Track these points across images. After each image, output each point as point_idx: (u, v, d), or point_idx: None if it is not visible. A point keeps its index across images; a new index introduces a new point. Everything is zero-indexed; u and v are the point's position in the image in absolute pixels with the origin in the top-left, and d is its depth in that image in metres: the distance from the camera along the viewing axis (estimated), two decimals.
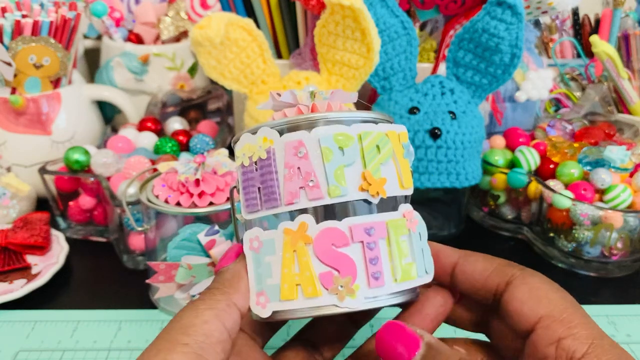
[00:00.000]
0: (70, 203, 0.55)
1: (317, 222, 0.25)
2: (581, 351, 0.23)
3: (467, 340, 0.31)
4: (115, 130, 0.66)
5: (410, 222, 0.27)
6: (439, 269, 0.29)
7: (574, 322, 0.24)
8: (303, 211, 0.25)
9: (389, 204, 0.27)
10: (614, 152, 0.51)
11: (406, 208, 0.27)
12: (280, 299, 0.25)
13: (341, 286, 0.24)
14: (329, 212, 0.26)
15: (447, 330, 0.33)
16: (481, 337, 0.31)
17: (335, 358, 0.31)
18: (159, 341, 0.23)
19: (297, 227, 0.25)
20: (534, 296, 0.25)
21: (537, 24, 0.71)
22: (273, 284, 0.25)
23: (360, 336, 0.32)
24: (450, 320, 0.31)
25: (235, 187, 0.29)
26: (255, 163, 0.26)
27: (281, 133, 0.26)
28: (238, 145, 0.27)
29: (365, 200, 0.26)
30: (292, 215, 0.26)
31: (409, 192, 0.28)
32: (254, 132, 0.26)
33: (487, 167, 0.57)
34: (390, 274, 0.26)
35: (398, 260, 0.26)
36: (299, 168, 0.25)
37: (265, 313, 0.25)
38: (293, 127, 0.26)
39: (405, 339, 0.24)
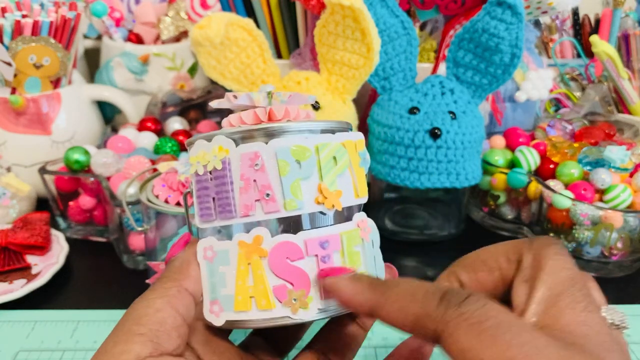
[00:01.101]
0: (70, 203, 0.55)
1: (272, 235, 0.25)
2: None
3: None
4: (115, 130, 0.66)
5: (363, 231, 0.27)
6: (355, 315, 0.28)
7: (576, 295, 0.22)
8: (258, 223, 0.26)
9: (344, 214, 0.27)
10: (614, 152, 0.51)
11: (360, 217, 0.28)
12: (234, 309, 0.25)
13: (295, 299, 0.25)
14: (283, 224, 0.26)
15: None
16: None
17: None
18: (115, 333, 0.23)
19: (252, 240, 0.25)
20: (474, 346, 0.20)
21: (537, 24, 0.71)
22: (227, 294, 0.25)
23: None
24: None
25: (189, 191, 0.29)
26: (210, 172, 0.26)
27: (237, 143, 0.25)
28: (192, 152, 0.27)
29: (321, 212, 0.26)
30: (247, 227, 0.26)
31: (364, 200, 0.28)
32: (209, 139, 0.26)
33: (487, 167, 0.57)
34: None
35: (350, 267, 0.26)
36: (254, 180, 0.25)
37: (218, 322, 0.26)
38: (249, 137, 0.25)
39: None
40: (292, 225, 0.26)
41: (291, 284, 0.25)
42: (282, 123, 0.26)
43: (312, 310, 0.25)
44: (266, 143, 0.25)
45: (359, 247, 0.27)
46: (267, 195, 0.25)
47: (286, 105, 0.27)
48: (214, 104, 0.28)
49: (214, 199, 0.26)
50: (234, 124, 0.27)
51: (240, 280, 0.25)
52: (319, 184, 0.25)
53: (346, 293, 0.24)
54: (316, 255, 0.25)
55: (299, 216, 0.26)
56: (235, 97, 0.27)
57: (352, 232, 0.27)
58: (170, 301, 0.24)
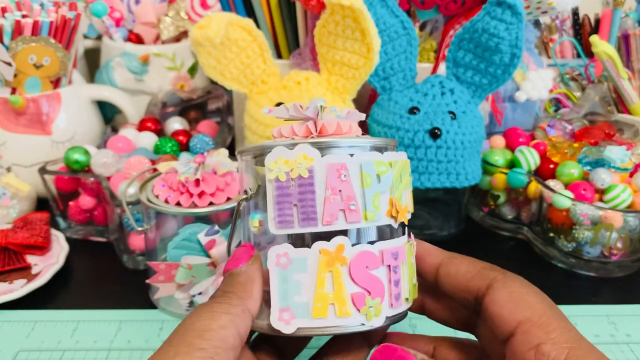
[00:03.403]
0: (70, 203, 0.55)
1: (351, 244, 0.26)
2: (561, 356, 0.23)
3: (459, 340, 0.31)
4: (115, 130, 0.66)
5: (413, 245, 0.29)
6: (425, 270, 0.30)
7: (553, 326, 0.24)
8: (338, 233, 0.26)
9: (400, 229, 0.29)
10: (614, 152, 0.51)
11: (410, 232, 0.30)
12: (312, 317, 0.26)
13: (371, 307, 0.26)
14: (359, 235, 0.27)
15: (449, 331, 0.33)
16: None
17: None
18: (176, 342, 0.23)
19: (334, 248, 0.26)
20: (513, 300, 0.26)
21: (537, 24, 0.71)
22: (302, 301, 0.26)
23: None
24: (441, 320, 0.31)
25: (245, 197, 0.29)
26: (293, 180, 0.26)
27: (322, 153, 0.26)
28: (271, 157, 0.26)
29: (388, 225, 0.28)
30: (327, 235, 0.26)
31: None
32: (291, 147, 0.26)
33: (487, 167, 0.57)
34: (405, 294, 0.28)
35: (409, 281, 0.28)
36: (340, 190, 0.26)
37: (288, 329, 0.26)
38: (334, 148, 0.27)
39: (397, 357, 0.25)
40: (364, 235, 0.27)
41: (368, 292, 0.26)
42: (365, 138, 0.28)
43: (381, 318, 0.26)
44: (351, 156, 0.26)
45: (413, 259, 0.29)
46: (352, 205, 0.26)
47: (339, 121, 0.28)
48: (273, 112, 0.29)
49: (296, 205, 0.26)
50: (286, 135, 0.28)
51: (320, 288, 0.26)
52: (390, 198, 0.27)
53: (430, 249, 0.30)
54: (388, 266, 0.27)
55: (373, 229, 0.28)
56: (288, 109, 0.28)
57: (410, 245, 0.29)
58: (234, 320, 0.24)
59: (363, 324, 0.26)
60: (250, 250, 0.28)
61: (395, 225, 0.28)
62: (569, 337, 0.24)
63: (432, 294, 0.32)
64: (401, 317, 0.29)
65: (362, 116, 0.30)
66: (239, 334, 0.24)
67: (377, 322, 0.26)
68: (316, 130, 0.28)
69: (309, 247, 0.26)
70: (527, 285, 0.27)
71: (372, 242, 0.27)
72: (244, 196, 0.29)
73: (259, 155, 0.29)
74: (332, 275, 0.26)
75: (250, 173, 0.30)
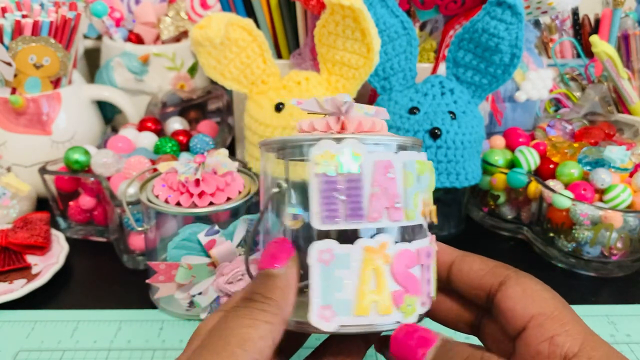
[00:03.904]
0: (71, 203, 0.55)
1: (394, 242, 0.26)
2: (575, 347, 0.23)
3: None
4: (115, 130, 0.66)
5: (435, 245, 0.30)
6: (438, 267, 0.30)
7: (566, 320, 0.24)
8: (381, 230, 0.26)
9: (426, 228, 0.29)
10: (614, 152, 0.51)
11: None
12: (355, 314, 0.25)
13: (409, 305, 0.26)
14: (399, 234, 0.27)
15: (449, 332, 0.33)
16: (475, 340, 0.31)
17: None
18: (218, 350, 0.22)
19: (378, 245, 0.26)
20: (526, 295, 0.26)
21: (537, 24, 0.71)
22: (344, 298, 0.25)
23: None
24: (447, 322, 0.31)
25: (282, 188, 0.28)
26: (341, 175, 0.26)
27: (370, 149, 0.26)
28: (317, 151, 0.26)
29: (419, 225, 0.28)
30: (371, 232, 0.26)
31: None
32: (337, 141, 0.26)
33: (487, 167, 0.57)
34: (432, 292, 0.29)
35: (434, 280, 0.29)
36: (386, 188, 0.26)
37: (329, 327, 0.26)
38: (380, 146, 0.27)
39: (420, 336, 0.24)
40: (402, 234, 0.27)
41: (407, 290, 0.26)
42: (407, 138, 0.28)
43: (415, 316, 0.27)
44: (396, 154, 0.26)
45: (435, 259, 0.30)
46: (397, 203, 0.26)
47: (372, 118, 0.28)
48: (303, 105, 0.28)
49: (343, 201, 0.26)
50: (312, 129, 0.28)
51: (363, 285, 0.25)
52: (423, 198, 0.28)
53: (444, 247, 0.30)
54: (422, 265, 0.27)
55: (409, 227, 0.28)
56: (319, 102, 0.28)
57: (434, 244, 0.29)
58: (273, 330, 0.24)
59: (399, 322, 0.26)
60: (289, 250, 0.27)
61: (425, 225, 0.28)
62: (582, 330, 0.24)
63: (437, 295, 0.32)
64: (427, 314, 0.29)
65: (387, 115, 0.30)
66: (274, 345, 0.24)
67: (411, 320, 0.26)
68: (343, 127, 0.28)
69: (351, 244, 0.26)
70: (539, 283, 0.27)
71: (408, 241, 0.27)
72: (277, 189, 0.28)
73: (292, 148, 0.28)
74: (375, 272, 0.26)
75: (280, 166, 0.29)
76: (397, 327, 0.26)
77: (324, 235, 0.26)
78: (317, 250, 0.26)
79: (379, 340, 0.30)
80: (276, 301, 0.25)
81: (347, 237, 0.26)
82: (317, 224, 0.26)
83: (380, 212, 0.26)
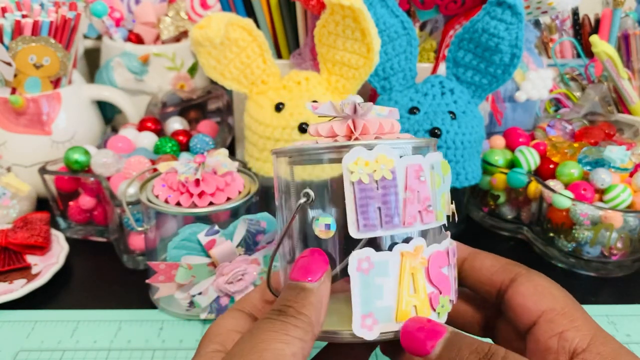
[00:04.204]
0: (70, 203, 0.55)
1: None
2: (584, 343, 0.24)
3: None
4: (115, 130, 0.66)
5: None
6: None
7: (576, 316, 0.25)
8: (416, 234, 0.27)
9: (445, 227, 0.29)
10: (614, 152, 0.51)
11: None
12: (396, 320, 0.25)
13: (443, 305, 0.26)
14: (429, 236, 0.28)
15: None
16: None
17: None
18: None
19: (413, 249, 0.26)
20: (537, 292, 0.26)
21: (537, 24, 0.71)
22: (384, 305, 0.25)
23: None
24: (458, 324, 0.31)
25: (310, 198, 0.28)
26: (376, 182, 0.25)
27: (401, 154, 0.26)
28: (350, 159, 0.25)
29: (443, 225, 0.28)
30: (406, 237, 0.26)
31: None
32: (369, 148, 0.26)
33: (487, 167, 0.57)
34: (456, 289, 0.29)
35: (456, 277, 0.29)
36: (418, 192, 0.26)
37: (371, 335, 0.25)
38: (413, 149, 0.27)
39: (429, 328, 0.24)
40: (431, 235, 0.28)
41: (440, 291, 0.26)
42: (429, 139, 0.28)
43: (445, 315, 0.27)
44: (424, 156, 0.26)
45: None
46: (429, 206, 0.26)
47: (381, 120, 0.28)
48: (318, 110, 0.28)
49: (379, 208, 0.25)
50: (332, 134, 0.27)
51: (403, 290, 0.25)
52: (447, 199, 0.28)
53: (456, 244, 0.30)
54: (450, 264, 0.27)
55: (436, 229, 0.28)
56: (335, 106, 0.28)
57: (453, 243, 0.30)
58: (304, 348, 0.23)
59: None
60: (324, 263, 0.26)
61: (447, 225, 0.28)
62: (592, 327, 0.25)
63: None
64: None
65: (398, 115, 0.30)
66: None
67: (444, 320, 0.27)
68: (364, 130, 0.27)
69: (390, 250, 0.26)
70: (550, 281, 0.27)
71: (438, 242, 0.27)
72: (304, 200, 0.27)
73: (317, 155, 0.28)
74: (413, 276, 0.26)
75: (303, 172, 0.29)
76: None
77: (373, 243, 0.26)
78: (357, 260, 0.25)
79: (385, 342, 0.30)
80: (309, 318, 0.24)
81: (370, 242, 0.26)
82: (354, 233, 0.25)
83: (414, 216, 0.26)
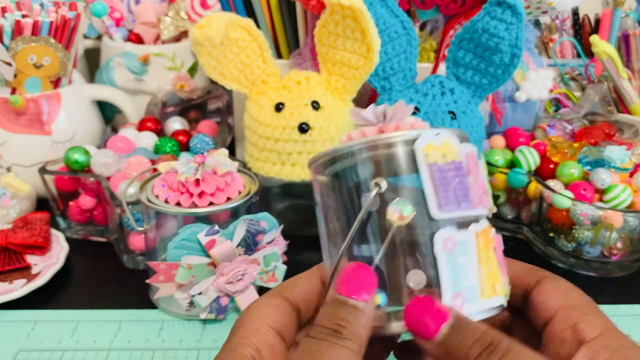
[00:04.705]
0: (70, 203, 0.55)
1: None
2: (593, 334, 0.24)
3: None
4: (115, 130, 0.66)
5: None
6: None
7: (591, 312, 0.26)
8: (480, 216, 0.27)
9: None
10: (614, 152, 0.51)
11: None
12: (480, 298, 0.26)
13: (505, 286, 0.27)
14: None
15: None
16: None
17: None
18: None
19: (483, 230, 0.27)
20: (558, 291, 0.27)
21: (537, 24, 0.71)
22: (470, 284, 0.26)
23: None
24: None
25: (382, 188, 0.27)
26: (449, 164, 0.26)
27: (460, 140, 0.27)
28: (422, 143, 0.26)
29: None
30: (475, 219, 0.27)
31: None
32: (436, 134, 0.27)
33: (487, 167, 0.57)
34: None
35: None
36: (477, 176, 0.27)
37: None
38: (461, 138, 0.28)
39: (434, 311, 0.24)
40: (484, 219, 0.28)
41: (503, 272, 0.27)
42: (457, 130, 0.29)
43: (508, 298, 0.28)
44: (473, 145, 0.28)
45: None
46: (486, 190, 0.28)
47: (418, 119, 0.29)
48: (357, 117, 0.29)
49: (455, 190, 0.26)
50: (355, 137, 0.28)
51: (483, 269, 0.26)
52: (489, 186, 0.29)
53: None
54: (495, 248, 0.28)
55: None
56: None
57: None
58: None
59: (503, 305, 0.27)
60: (374, 280, 0.25)
61: None
62: (604, 322, 0.25)
63: None
64: None
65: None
66: None
67: (505, 302, 0.27)
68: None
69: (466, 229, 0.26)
70: (572, 285, 0.28)
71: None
72: (378, 189, 0.27)
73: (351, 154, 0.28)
74: (488, 256, 0.26)
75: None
76: (503, 307, 0.27)
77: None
78: (442, 239, 0.26)
79: (399, 346, 0.30)
80: (361, 341, 0.24)
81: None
82: (436, 213, 0.26)
83: (479, 198, 0.27)
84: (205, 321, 0.44)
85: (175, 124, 0.65)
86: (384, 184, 0.27)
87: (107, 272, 0.51)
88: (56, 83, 0.61)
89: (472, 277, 0.26)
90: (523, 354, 0.22)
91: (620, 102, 0.70)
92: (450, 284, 0.25)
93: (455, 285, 0.25)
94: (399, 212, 0.26)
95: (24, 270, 0.48)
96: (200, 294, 0.41)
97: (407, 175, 0.26)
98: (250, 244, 0.41)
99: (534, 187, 0.54)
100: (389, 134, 0.27)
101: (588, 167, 0.53)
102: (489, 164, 0.57)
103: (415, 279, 0.26)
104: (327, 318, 0.24)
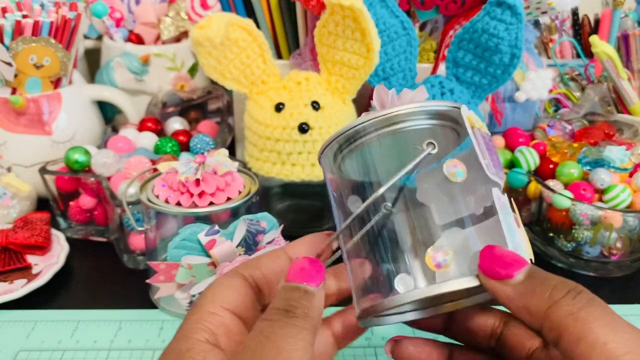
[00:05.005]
0: (71, 203, 0.55)
1: None
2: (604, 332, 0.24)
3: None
4: (115, 130, 0.66)
5: None
6: (483, 333, 0.29)
7: (607, 312, 0.26)
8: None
9: None
10: (614, 152, 0.51)
11: None
12: (527, 256, 0.26)
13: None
14: None
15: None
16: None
17: None
18: None
19: (505, 195, 0.28)
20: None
21: (536, 24, 0.72)
22: (518, 241, 0.27)
23: None
24: (462, 329, 0.30)
25: (435, 147, 0.27)
26: (485, 134, 0.29)
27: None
28: (466, 111, 0.28)
29: None
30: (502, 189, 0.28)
31: None
32: (458, 109, 0.28)
33: None
34: None
35: None
36: (490, 148, 0.29)
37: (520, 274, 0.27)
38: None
39: (513, 255, 0.24)
40: None
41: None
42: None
43: None
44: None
45: None
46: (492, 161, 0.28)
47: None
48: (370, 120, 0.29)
49: (492, 156, 0.28)
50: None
51: (521, 230, 0.28)
52: None
53: None
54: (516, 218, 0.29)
55: None
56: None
57: None
58: (312, 352, 0.23)
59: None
60: (322, 272, 0.25)
61: None
62: (614, 318, 0.25)
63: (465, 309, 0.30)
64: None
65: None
66: None
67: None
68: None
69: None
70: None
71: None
72: (429, 150, 0.27)
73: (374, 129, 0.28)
74: (516, 218, 0.28)
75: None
76: None
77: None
78: (497, 197, 0.27)
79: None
80: (315, 321, 0.24)
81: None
82: (492, 174, 0.27)
83: (501, 171, 0.28)
84: None
85: (176, 124, 0.66)
86: (436, 145, 0.27)
87: (107, 272, 0.51)
88: (56, 83, 0.61)
89: (519, 236, 0.27)
90: (608, 308, 0.22)
91: (619, 103, 0.70)
92: (510, 239, 0.26)
93: (512, 240, 0.26)
94: (455, 173, 0.27)
95: (24, 270, 0.48)
96: (200, 293, 0.41)
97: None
98: (250, 244, 0.41)
99: (534, 187, 0.54)
100: (438, 102, 0.28)
101: (588, 167, 0.53)
102: None
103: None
104: (279, 301, 0.24)
